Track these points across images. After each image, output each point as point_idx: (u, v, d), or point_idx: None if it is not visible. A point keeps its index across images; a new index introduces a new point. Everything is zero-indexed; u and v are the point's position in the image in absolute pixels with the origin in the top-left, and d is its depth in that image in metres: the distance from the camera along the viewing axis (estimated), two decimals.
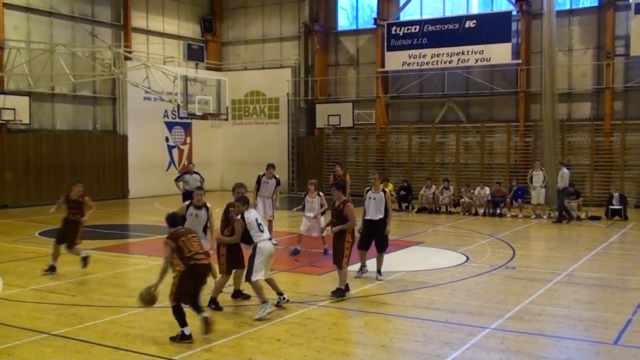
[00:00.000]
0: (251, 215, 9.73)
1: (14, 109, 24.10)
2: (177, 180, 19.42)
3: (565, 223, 20.36)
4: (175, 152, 31.01)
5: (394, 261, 14.05)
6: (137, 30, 29.85)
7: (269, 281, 9.88)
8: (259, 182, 15.87)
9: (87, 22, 27.87)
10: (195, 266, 8.40)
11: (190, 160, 29.62)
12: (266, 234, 9.78)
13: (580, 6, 26.73)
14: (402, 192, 24.19)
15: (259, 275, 9.50)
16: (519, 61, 26.58)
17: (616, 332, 8.90)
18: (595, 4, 26.12)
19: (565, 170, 20.86)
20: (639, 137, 24.82)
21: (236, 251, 10.10)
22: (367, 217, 12.10)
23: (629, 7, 24.85)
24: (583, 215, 21.35)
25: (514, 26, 26.78)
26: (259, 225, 9.70)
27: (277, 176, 15.97)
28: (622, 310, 10.05)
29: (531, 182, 21.69)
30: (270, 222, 15.86)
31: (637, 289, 11.85)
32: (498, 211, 22.36)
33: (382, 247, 12.10)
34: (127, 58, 27.41)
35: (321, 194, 14.81)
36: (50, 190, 25.26)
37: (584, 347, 8.48)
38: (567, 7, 26.63)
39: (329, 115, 29.40)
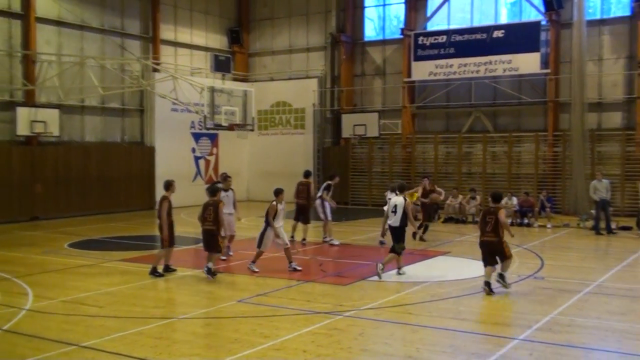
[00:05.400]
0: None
1: (44, 122, 24.46)
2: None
3: (598, 233, 20.26)
4: (201, 162, 31.23)
5: (420, 271, 13.99)
6: (165, 42, 30.18)
7: None
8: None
9: (117, 34, 28.23)
10: None
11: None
12: None
13: (612, 15, 26.36)
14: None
15: None
16: (548, 71, 26.33)
17: None
18: (628, 13, 25.77)
19: (606, 180, 20.68)
20: None
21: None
22: None
23: None
24: (614, 226, 21.01)
25: (542, 36, 26.53)
26: None
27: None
28: None
29: None
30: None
31: None
32: (526, 221, 22.18)
33: None
34: (155, 70, 27.70)
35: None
36: (79, 202, 25.68)
37: (615, 359, 8.35)
38: (598, 16, 26.29)
39: (354, 125, 29.40)
